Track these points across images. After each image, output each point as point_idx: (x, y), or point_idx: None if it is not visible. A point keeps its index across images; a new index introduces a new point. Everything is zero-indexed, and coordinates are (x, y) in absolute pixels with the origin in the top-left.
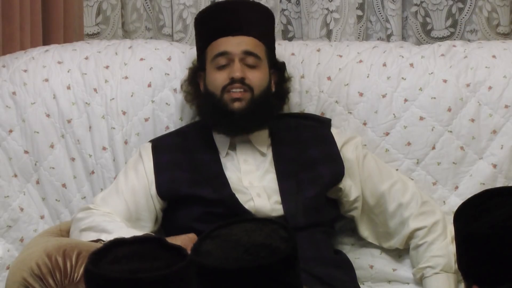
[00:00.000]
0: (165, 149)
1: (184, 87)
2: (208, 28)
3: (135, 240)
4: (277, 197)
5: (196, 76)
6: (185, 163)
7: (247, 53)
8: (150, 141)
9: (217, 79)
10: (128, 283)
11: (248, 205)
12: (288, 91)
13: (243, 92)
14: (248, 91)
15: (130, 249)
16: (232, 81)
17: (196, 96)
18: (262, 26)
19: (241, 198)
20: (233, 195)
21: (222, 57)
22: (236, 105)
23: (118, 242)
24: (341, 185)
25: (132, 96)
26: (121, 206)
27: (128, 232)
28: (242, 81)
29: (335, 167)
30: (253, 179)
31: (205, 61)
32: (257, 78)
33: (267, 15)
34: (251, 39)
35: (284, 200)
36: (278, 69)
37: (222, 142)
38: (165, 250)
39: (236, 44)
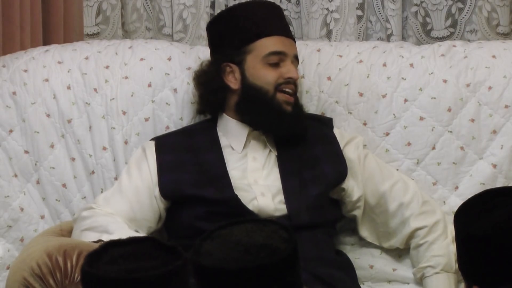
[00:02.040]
0: (168, 148)
1: (203, 78)
2: (262, 21)
3: (130, 240)
4: (281, 197)
5: (220, 68)
6: (188, 163)
7: (296, 57)
8: (153, 138)
9: (268, 75)
10: (125, 283)
11: (251, 204)
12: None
13: (293, 95)
14: (295, 93)
15: (126, 250)
16: (288, 81)
17: (215, 88)
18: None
19: (245, 197)
20: (236, 196)
21: (277, 56)
22: (289, 108)
23: (114, 243)
24: (344, 185)
25: (132, 96)
26: (125, 206)
27: (129, 233)
28: (295, 83)
29: (338, 166)
30: (258, 177)
31: (243, 56)
32: (298, 81)
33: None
34: (295, 44)
35: (288, 199)
36: None
37: (238, 138)
38: (161, 250)
39: (290, 46)
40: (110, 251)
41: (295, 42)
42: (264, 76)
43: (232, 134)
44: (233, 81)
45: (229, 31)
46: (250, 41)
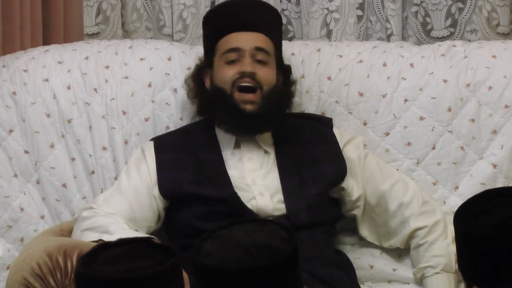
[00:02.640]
0: (167, 148)
1: (188, 83)
2: (219, 23)
3: (124, 241)
4: (280, 196)
5: (201, 73)
6: (187, 162)
7: (258, 49)
8: (152, 139)
9: (226, 73)
10: (121, 283)
11: (250, 203)
12: (292, 95)
13: (254, 93)
14: (257, 88)
15: (120, 250)
16: (242, 75)
17: (199, 93)
18: (272, 25)
19: (243, 196)
20: (236, 194)
21: (233, 53)
22: (248, 107)
23: (108, 244)
24: (344, 185)
25: (132, 96)
26: (124, 206)
27: (130, 233)
28: (252, 76)
29: (338, 166)
30: (256, 177)
31: (213, 57)
32: (267, 74)
33: (276, 16)
34: (262, 36)
35: (287, 198)
36: (284, 71)
37: (227, 140)
38: (155, 249)
39: (247, 39)
40: (104, 253)
41: (275, 33)
42: (222, 75)
43: (222, 137)
44: (208, 84)
45: (205, 35)
46: (214, 43)
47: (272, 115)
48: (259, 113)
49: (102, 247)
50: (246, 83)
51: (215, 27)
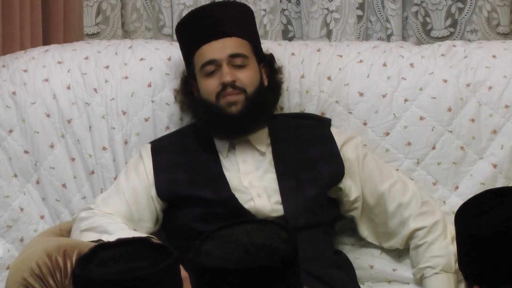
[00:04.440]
0: (164, 150)
1: (178, 97)
2: (189, 37)
3: (120, 242)
4: (277, 197)
5: (188, 85)
6: (184, 164)
7: (233, 55)
8: (150, 142)
9: (209, 86)
10: (117, 284)
11: (248, 205)
12: (281, 82)
13: (237, 95)
14: (241, 93)
15: (116, 252)
16: (224, 86)
17: (191, 104)
18: (242, 24)
19: (241, 198)
20: (233, 195)
21: (210, 65)
22: (233, 109)
23: (103, 246)
24: (341, 185)
25: (132, 96)
26: (122, 206)
27: (129, 233)
28: (233, 84)
29: (335, 166)
30: (252, 179)
31: (193, 70)
32: (248, 77)
33: (245, 12)
34: (234, 40)
35: (284, 200)
36: (267, 62)
37: (222, 143)
38: (151, 250)
39: (220, 48)
40: (99, 254)
41: (247, 31)
42: (206, 89)
43: (217, 141)
44: (197, 95)
45: (180, 48)
46: (191, 57)
47: (260, 112)
48: (245, 114)
49: (99, 248)
50: (230, 94)
51: (187, 42)
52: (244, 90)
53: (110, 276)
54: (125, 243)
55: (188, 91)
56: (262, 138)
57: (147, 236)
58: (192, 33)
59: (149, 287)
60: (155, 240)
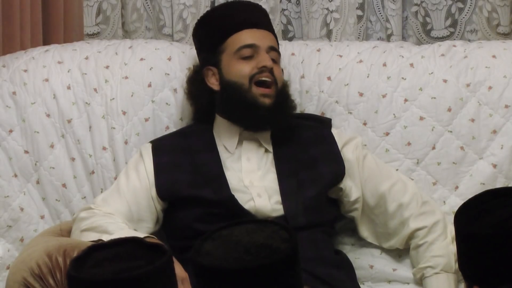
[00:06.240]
0: (165, 150)
1: (188, 86)
2: (228, 20)
3: (114, 242)
4: (277, 197)
5: (200, 74)
6: (185, 164)
7: (271, 48)
8: (150, 141)
9: (243, 69)
10: (113, 284)
11: (248, 205)
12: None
13: (270, 88)
14: (273, 84)
15: (110, 252)
16: (262, 69)
17: (200, 94)
18: (273, 28)
19: (241, 198)
20: (233, 196)
21: (249, 49)
22: (267, 100)
23: (98, 246)
24: (342, 185)
25: (132, 96)
26: (123, 206)
27: (129, 233)
28: (271, 71)
29: (335, 167)
30: (254, 179)
31: (218, 55)
32: (280, 73)
33: (268, 16)
34: (271, 35)
35: (285, 200)
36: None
37: (231, 139)
38: (145, 249)
39: (262, 37)
40: (94, 255)
41: (274, 33)
42: (238, 70)
43: (225, 136)
44: (215, 83)
45: (205, 35)
46: (222, 40)
47: (286, 108)
48: (275, 107)
49: (92, 249)
50: (265, 77)
51: (224, 24)
52: (276, 82)
53: (104, 276)
54: (119, 243)
55: (200, 79)
56: (266, 136)
57: (145, 236)
58: (235, 15)
59: (145, 286)
60: (150, 239)
